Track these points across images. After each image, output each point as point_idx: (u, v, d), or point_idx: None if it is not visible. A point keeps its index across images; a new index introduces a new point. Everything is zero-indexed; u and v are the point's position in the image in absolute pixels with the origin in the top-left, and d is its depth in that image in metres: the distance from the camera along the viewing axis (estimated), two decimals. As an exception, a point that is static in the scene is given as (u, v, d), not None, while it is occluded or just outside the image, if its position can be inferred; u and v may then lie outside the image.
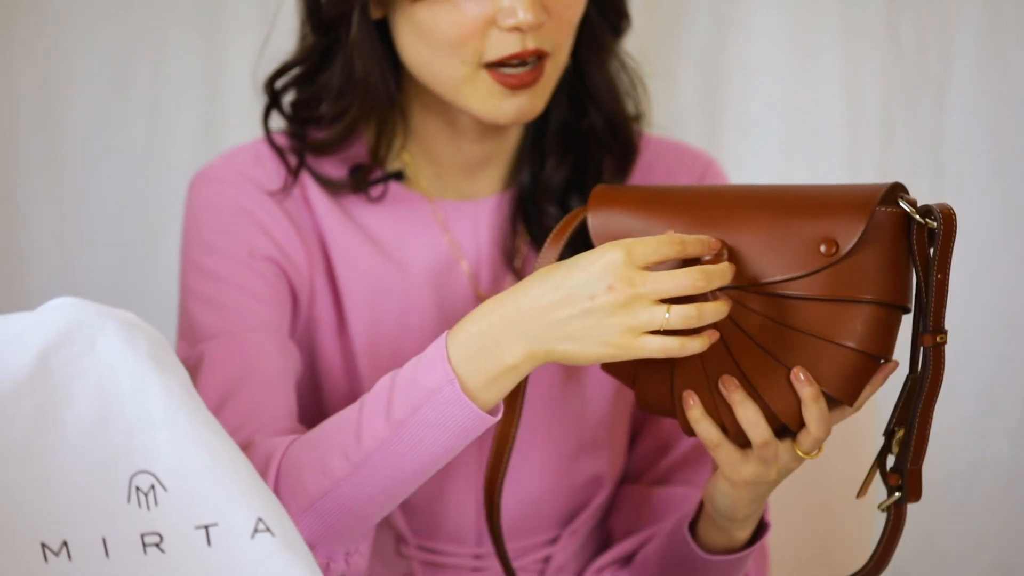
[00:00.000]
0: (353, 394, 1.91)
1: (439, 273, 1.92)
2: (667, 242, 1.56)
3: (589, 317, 1.55)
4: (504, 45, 1.81)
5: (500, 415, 1.65)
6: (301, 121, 1.93)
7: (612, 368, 1.68)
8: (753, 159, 2.62)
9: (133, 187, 2.68)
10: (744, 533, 1.79)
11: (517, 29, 1.80)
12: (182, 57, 2.67)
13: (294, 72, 1.93)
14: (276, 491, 1.69)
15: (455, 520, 1.94)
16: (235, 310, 1.86)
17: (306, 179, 1.92)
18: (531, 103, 1.85)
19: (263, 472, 1.68)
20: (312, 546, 1.70)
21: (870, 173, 2.72)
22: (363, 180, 1.93)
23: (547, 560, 1.97)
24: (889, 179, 2.62)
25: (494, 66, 1.82)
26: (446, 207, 1.92)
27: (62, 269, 2.64)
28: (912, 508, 2.68)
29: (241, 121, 2.38)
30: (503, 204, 1.95)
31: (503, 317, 1.61)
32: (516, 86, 1.82)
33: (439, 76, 1.85)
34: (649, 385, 1.67)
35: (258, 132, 1.90)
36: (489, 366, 1.62)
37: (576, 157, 1.97)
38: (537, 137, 1.97)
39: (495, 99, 1.83)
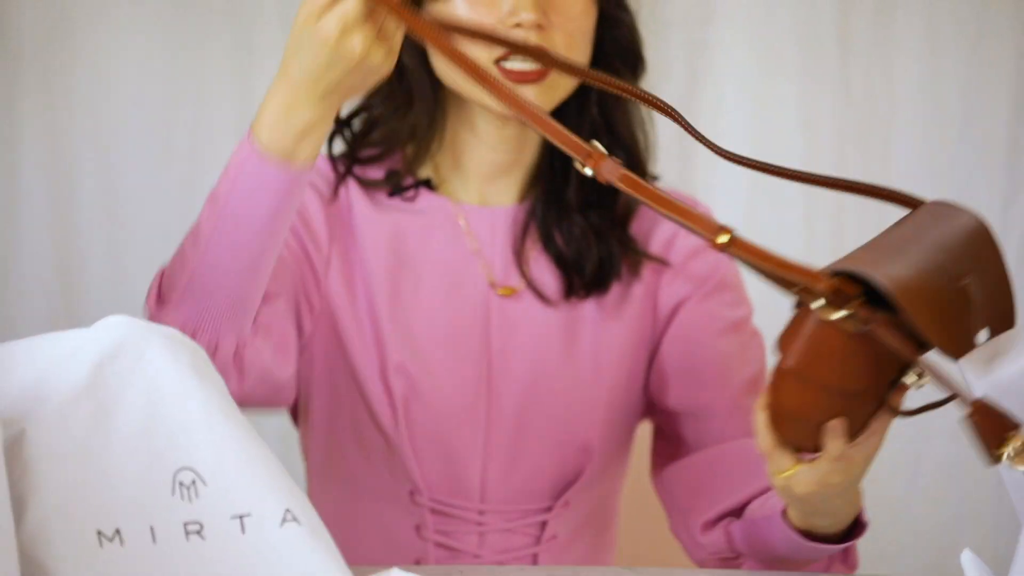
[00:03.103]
0: (372, 357, 1.90)
1: (456, 260, 1.92)
2: None
3: (295, 31, 1.55)
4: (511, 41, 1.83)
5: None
6: (355, 142, 1.96)
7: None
8: (722, 192, 2.64)
9: (175, 218, 2.68)
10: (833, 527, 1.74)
11: (519, 27, 1.82)
12: (218, 105, 2.69)
13: (362, 106, 1.96)
14: (158, 302, 1.69)
15: (462, 477, 1.92)
16: None
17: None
18: (536, 100, 1.85)
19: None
20: (195, 332, 1.68)
21: (824, 202, 2.75)
22: (397, 185, 1.95)
23: (543, 526, 1.96)
24: (842, 208, 2.67)
25: (503, 62, 1.83)
26: (468, 210, 1.92)
27: (114, 290, 2.69)
28: (864, 493, 2.71)
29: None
30: (519, 213, 1.95)
31: (278, 90, 1.61)
32: (521, 80, 1.83)
33: (459, 76, 1.87)
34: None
35: None
36: (284, 128, 1.61)
37: (594, 181, 1.97)
38: (553, 156, 1.98)
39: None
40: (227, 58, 2.69)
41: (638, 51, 1.97)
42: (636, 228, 1.98)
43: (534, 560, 1.96)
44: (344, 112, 1.95)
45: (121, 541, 1.41)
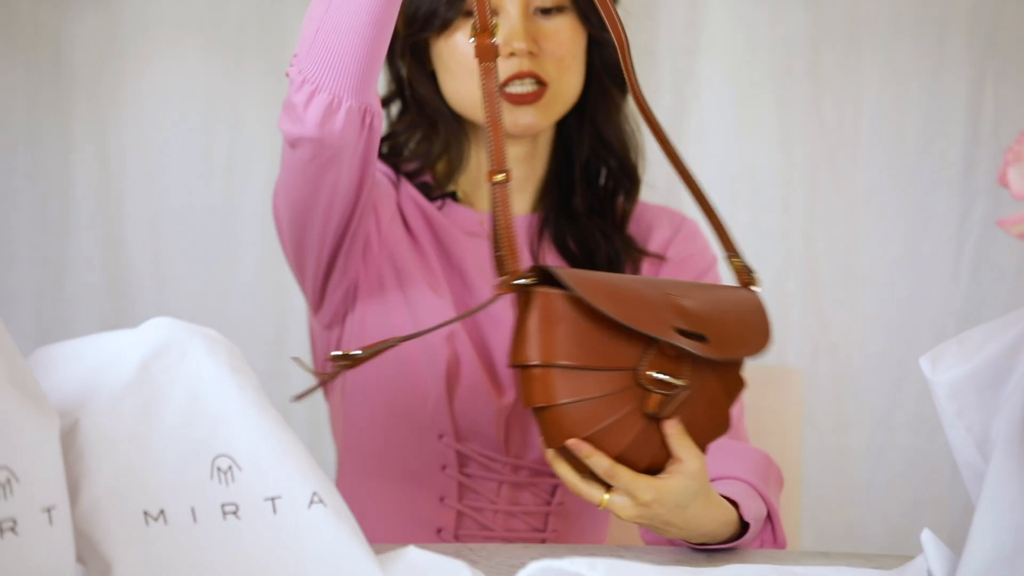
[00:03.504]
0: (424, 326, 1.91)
1: (477, 256, 1.94)
2: None
3: None
4: (507, 68, 1.87)
5: None
6: (392, 162, 2.00)
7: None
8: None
9: (213, 229, 2.71)
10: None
11: (514, 55, 1.86)
12: (252, 127, 2.70)
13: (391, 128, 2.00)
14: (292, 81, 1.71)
15: (488, 433, 1.92)
16: None
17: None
18: (534, 118, 1.89)
19: None
20: (315, 91, 1.68)
21: (799, 217, 2.75)
22: (429, 196, 1.98)
23: (554, 490, 1.96)
24: (815, 221, 2.67)
25: (505, 87, 1.86)
26: (489, 219, 1.90)
27: (158, 294, 2.69)
28: (831, 483, 2.71)
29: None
30: (534, 221, 1.98)
31: None
32: (519, 102, 1.87)
33: (466, 102, 1.89)
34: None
35: None
36: None
37: (596, 190, 2.00)
38: (560, 170, 2.00)
39: (507, 114, 1.87)
40: (260, 83, 2.69)
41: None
42: (633, 230, 2.01)
43: (544, 521, 1.96)
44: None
45: (165, 520, 1.42)
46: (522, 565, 1.46)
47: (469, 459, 1.94)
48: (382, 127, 1.78)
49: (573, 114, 1.98)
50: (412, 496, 1.94)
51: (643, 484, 1.63)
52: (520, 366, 1.59)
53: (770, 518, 1.77)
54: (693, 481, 1.64)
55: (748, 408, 2.03)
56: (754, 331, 1.73)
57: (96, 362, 1.46)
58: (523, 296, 1.60)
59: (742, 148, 2.73)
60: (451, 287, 1.96)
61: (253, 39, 2.69)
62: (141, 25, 2.67)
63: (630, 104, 1.99)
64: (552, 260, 1.95)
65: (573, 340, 1.59)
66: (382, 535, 1.90)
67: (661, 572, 1.48)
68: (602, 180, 2.01)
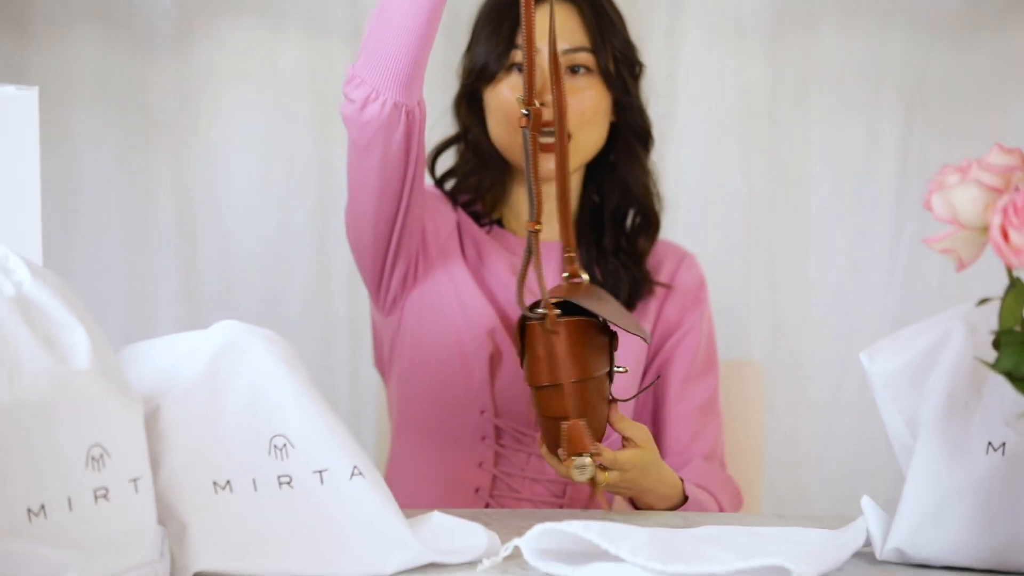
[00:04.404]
0: (474, 321, 1.94)
1: (513, 271, 1.96)
2: None
3: None
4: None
5: None
6: (450, 191, 2.02)
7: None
8: (683, 227, 2.62)
9: (270, 252, 2.71)
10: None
11: (544, 105, 1.84)
12: (304, 164, 2.69)
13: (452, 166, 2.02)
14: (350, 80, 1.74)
15: (523, 413, 1.93)
16: None
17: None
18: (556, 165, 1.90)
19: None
20: (361, 83, 1.72)
21: (760, 236, 2.74)
22: (478, 221, 2.00)
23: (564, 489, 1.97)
24: (773, 239, 2.67)
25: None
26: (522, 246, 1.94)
27: (224, 302, 2.69)
28: (787, 458, 2.71)
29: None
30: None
31: None
32: (545, 150, 1.86)
33: (506, 145, 1.91)
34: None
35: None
36: None
37: (623, 231, 2.01)
38: (590, 210, 2.00)
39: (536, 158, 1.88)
40: (309, 123, 2.69)
41: (647, 129, 2.02)
42: (647, 262, 2.01)
43: (563, 488, 1.96)
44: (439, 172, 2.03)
45: (231, 489, 1.44)
46: (529, 527, 1.47)
47: (504, 432, 1.94)
48: (420, 125, 1.80)
49: (604, 166, 1.98)
50: (456, 461, 1.95)
51: (625, 457, 1.65)
52: (548, 386, 1.65)
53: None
54: (650, 446, 1.70)
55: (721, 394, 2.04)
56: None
57: (173, 357, 1.48)
58: (541, 326, 1.62)
59: (712, 178, 2.72)
60: (487, 289, 1.97)
61: (304, 86, 2.69)
62: (210, 76, 2.67)
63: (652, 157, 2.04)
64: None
65: (584, 357, 1.62)
66: (429, 493, 1.92)
67: (645, 532, 1.48)
68: (628, 222, 2.01)
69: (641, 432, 1.71)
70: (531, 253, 1.66)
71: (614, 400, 1.70)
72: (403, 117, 1.75)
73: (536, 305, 1.67)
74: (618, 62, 1.96)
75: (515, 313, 1.92)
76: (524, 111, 1.65)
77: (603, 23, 1.96)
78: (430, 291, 1.95)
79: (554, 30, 1.74)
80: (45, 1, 2.62)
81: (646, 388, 1.89)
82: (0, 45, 2.62)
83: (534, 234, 1.65)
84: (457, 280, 1.95)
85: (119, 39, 2.64)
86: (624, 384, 1.92)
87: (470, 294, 1.94)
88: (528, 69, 1.66)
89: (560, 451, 1.65)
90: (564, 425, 1.63)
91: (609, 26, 1.97)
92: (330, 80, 2.67)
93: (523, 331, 1.67)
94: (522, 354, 1.67)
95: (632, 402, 1.96)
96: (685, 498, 1.77)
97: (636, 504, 1.79)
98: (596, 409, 1.66)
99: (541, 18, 1.90)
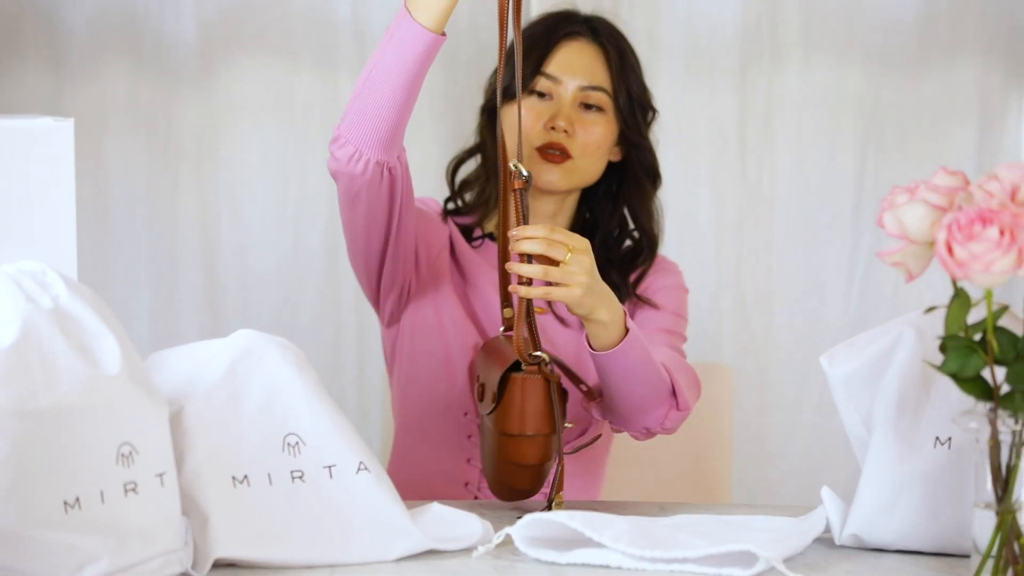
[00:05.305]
0: (462, 339, 1.91)
1: (495, 284, 1.91)
2: None
3: None
4: (547, 136, 1.89)
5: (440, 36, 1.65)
6: (460, 206, 1.99)
7: None
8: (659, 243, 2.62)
9: (286, 266, 2.70)
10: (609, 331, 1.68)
11: (554, 129, 1.88)
12: (314, 186, 2.67)
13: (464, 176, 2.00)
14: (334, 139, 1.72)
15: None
16: None
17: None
18: (559, 178, 1.90)
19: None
20: (345, 144, 1.71)
21: (730, 251, 2.74)
22: (470, 236, 1.98)
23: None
24: (742, 254, 2.68)
25: (542, 149, 1.88)
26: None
27: (244, 312, 2.68)
28: (755, 452, 2.71)
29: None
30: None
31: None
32: (548, 160, 1.88)
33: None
34: None
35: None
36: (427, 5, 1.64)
37: (616, 254, 1.97)
38: (583, 229, 1.97)
39: (539, 169, 1.89)
40: (320, 149, 2.63)
41: (656, 168, 1.99)
42: (632, 277, 1.99)
43: (548, 481, 1.92)
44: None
45: (248, 483, 1.44)
46: (520, 517, 1.47)
47: None
48: (403, 172, 1.79)
49: (604, 197, 1.97)
50: (447, 457, 1.94)
51: (578, 248, 1.62)
52: (544, 434, 1.62)
53: (675, 392, 1.75)
54: (587, 250, 1.64)
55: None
56: None
57: (196, 363, 1.48)
58: (533, 378, 1.63)
59: (685, 199, 2.71)
60: (469, 307, 1.95)
61: (316, 115, 2.68)
62: (230, 106, 2.67)
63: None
64: None
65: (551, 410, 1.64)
66: (425, 485, 1.91)
67: (625, 520, 1.48)
68: (624, 245, 1.99)
69: (578, 238, 1.65)
70: (519, 316, 1.63)
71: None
72: (385, 173, 1.75)
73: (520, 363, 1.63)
74: (634, 105, 1.95)
75: (494, 330, 1.91)
76: (522, 174, 1.65)
77: (625, 68, 1.95)
78: (421, 312, 1.94)
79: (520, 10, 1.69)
80: (80, 40, 2.63)
81: (590, 443, 1.75)
82: (39, 81, 2.63)
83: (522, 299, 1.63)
84: (444, 303, 1.93)
85: (147, 74, 2.65)
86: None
87: (455, 317, 1.93)
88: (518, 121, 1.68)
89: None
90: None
91: (629, 71, 1.95)
92: (340, 110, 2.61)
93: (505, 380, 1.63)
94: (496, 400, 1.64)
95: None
96: (626, 331, 1.69)
97: (587, 336, 1.70)
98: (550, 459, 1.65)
99: (567, 53, 1.92)
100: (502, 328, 1.74)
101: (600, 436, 1.79)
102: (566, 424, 1.65)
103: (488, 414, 1.65)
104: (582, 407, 1.78)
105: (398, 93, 1.68)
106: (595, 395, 1.67)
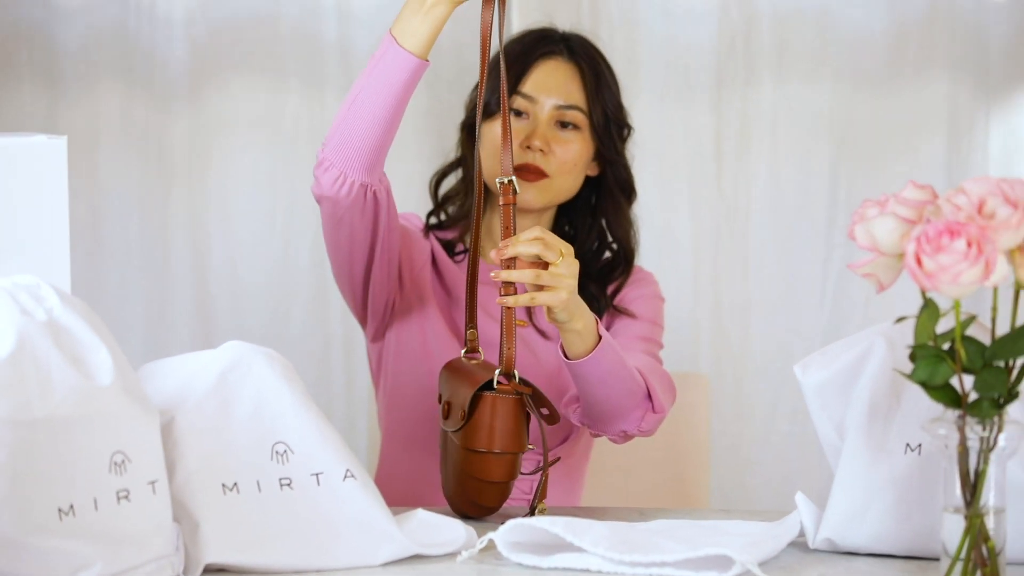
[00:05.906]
0: (448, 351, 1.88)
1: (489, 298, 1.87)
2: None
3: None
4: (523, 157, 1.88)
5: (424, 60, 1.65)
6: (443, 219, 1.99)
7: None
8: (637, 255, 2.58)
9: (276, 276, 2.70)
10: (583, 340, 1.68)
11: (530, 148, 1.87)
12: (303, 199, 2.62)
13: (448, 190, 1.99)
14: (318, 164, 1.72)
15: None
16: None
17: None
18: (534, 196, 1.89)
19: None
20: (329, 167, 1.70)
21: (707, 262, 2.75)
22: (452, 250, 1.97)
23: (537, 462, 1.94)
24: (719, 265, 2.69)
25: (518, 169, 1.85)
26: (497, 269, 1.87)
27: (234, 322, 2.68)
28: (732, 459, 2.71)
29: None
30: None
31: (409, 9, 1.66)
32: (524, 179, 1.87)
33: (489, 173, 1.86)
34: None
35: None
36: (412, 29, 1.65)
37: (593, 267, 1.95)
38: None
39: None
40: (309, 165, 2.58)
41: (631, 183, 1.98)
42: (610, 289, 1.99)
43: (531, 487, 1.89)
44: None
45: (238, 491, 1.44)
46: (502, 523, 1.47)
47: None
48: (386, 193, 1.79)
49: (583, 210, 1.96)
50: (429, 464, 1.91)
51: (565, 257, 1.63)
52: (512, 453, 1.62)
53: (650, 396, 1.75)
54: (573, 253, 1.64)
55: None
56: None
57: (187, 374, 1.47)
58: (512, 399, 1.63)
59: (663, 212, 2.72)
60: (452, 321, 1.95)
61: (304, 132, 2.69)
62: (220, 123, 2.67)
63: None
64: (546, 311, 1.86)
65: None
66: (408, 490, 1.90)
67: (605, 525, 1.48)
68: (603, 258, 1.98)
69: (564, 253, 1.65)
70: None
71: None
72: (369, 195, 1.75)
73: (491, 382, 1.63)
74: (609, 123, 1.94)
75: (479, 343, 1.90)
76: (511, 184, 1.65)
77: (601, 86, 1.94)
78: (405, 328, 1.93)
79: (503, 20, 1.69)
80: (74, 60, 2.64)
81: (548, 466, 1.66)
82: (34, 99, 2.63)
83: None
84: (428, 319, 1.93)
85: (139, 93, 2.65)
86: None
87: (438, 332, 1.93)
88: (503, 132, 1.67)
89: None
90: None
91: (605, 89, 1.94)
92: (326, 127, 2.59)
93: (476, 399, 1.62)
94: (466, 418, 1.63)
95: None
96: (599, 338, 1.68)
97: (562, 346, 1.70)
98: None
99: (543, 72, 1.92)
100: (463, 350, 1.73)
101: (559, 459, 1.78)
102: (529, 446, 1.64)
103: (455, 431, 1.65)
104: (561, 413, 1.78)
105: (384, 116, 1.68)
106: (555, 420, 1.65)
